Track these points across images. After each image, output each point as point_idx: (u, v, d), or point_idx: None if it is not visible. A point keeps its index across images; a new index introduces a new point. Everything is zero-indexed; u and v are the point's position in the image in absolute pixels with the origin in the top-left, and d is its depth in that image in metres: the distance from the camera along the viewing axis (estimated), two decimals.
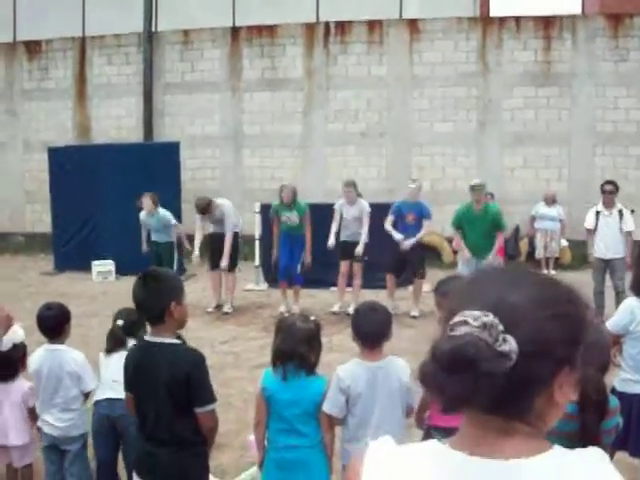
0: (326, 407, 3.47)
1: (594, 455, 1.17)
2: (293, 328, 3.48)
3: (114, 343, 4.20)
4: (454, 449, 1.13)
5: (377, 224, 9.85)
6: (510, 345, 1.04)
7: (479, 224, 9.25)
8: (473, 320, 1.05)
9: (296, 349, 3.41)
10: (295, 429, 3.46)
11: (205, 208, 9.78)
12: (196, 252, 10.08)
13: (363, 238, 9.70)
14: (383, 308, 3.64)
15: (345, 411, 3.48)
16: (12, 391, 4.19)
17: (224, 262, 9.72)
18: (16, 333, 4.52)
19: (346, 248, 9.82)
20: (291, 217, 9.79)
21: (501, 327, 1.05)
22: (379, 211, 10.01)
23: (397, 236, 9.64)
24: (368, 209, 9.78)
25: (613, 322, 4.19)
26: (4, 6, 17.37)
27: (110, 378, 4.07)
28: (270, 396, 3.48)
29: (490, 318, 1.05)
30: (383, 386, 3.48)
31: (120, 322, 4.19)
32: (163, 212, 10.91)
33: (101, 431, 4.21)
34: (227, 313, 9.90)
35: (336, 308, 9.97)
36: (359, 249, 9.69)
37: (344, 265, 9.92)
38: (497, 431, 1.11)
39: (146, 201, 10.70)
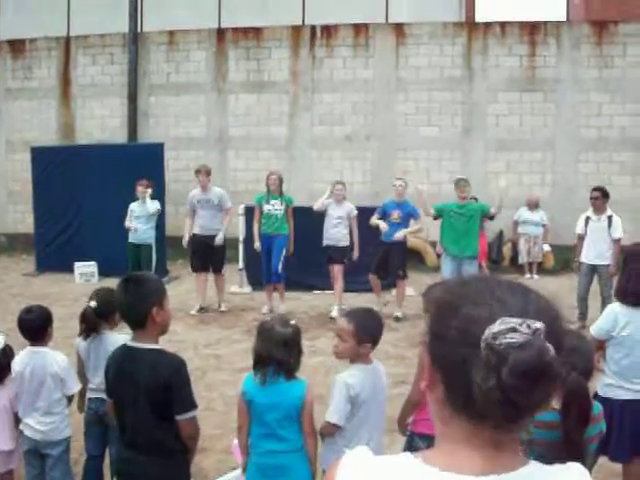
0: (334, 418, 3.43)
1: (573, 470, 1.16)
2: (272, 332, 3.46)
3: (86, 327, 4.11)
4: (426, 463, 1.11)
5: (359, 227, 9.87)
6: (553, 352, 1.04)
7: (461, 219, 9.21)
8: (520, 326, 1.04)
9: (274, 353, 3.39)
10: (276, 434, 3.44)
11: (208, 170, 10.15)
12: (186, 237, 10.18)
13: (355, 241, 9.82)
14: (374, 311, 3.76)
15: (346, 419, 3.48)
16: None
17: (219, 236, 9.95)
18: None
19: (327, 252, 9.88)
20: (275, 204, 9.80)
21: (543, 335, 1.04)
22: (363, 214, 10.02)
23: (382, 225, 9.58)
24: (355, 212, 9.87)
25: (597, 327, 4.22)
26: None
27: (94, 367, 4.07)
28: (250, 400, 3.47)
29: (541, 325, 1.04)
30: (378, 389, 3.52)
31: (93, 304, 4.08)
32: (154, 202, 11.07)
33: (91, 425, 4.21)
34: (224, 311, 10.04)
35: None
36: (355, 254, 9.82)
37: (331, 268, 9.98)
38: (485, 443, 1.10)
39: (139, 188, 10.87)
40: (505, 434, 1.10)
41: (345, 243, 9.81)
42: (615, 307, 4.23)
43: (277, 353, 3.39)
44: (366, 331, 3.48)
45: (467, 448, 1.10)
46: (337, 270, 9.87)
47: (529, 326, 1.03)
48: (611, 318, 4.18)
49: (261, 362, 3.44)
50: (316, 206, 9.89)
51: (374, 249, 9.84)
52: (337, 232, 9.78)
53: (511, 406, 1.03)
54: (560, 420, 2.77)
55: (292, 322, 3.59)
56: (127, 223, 10.95)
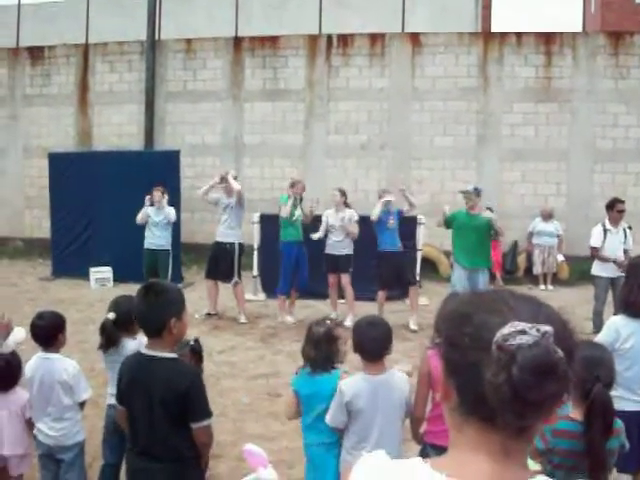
0: (327, 419, 3.60)
1: None
2: (313, 332, 3.82)
3: (106, 340, 4.07)
4: (434, 469, 1.14)
5: (370, 235, 9.84)
6: (562, 354, 1.08)
7: (472, 230, 9.08)
8: (529, 329, 1.07)
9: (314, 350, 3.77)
10: (316, 426, 3.70)
11: (234, 177, 10.25)
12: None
13: (354, 226, 9.83)
14: (383, 322, 3.71)
15: (345, 423, 3.55)
16: (10, 401, 4.11)
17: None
18: (20, 332, 4.51)
19: (330, 260, 9.93)
20: (298, 213, 9.98)
21: (552, 339, 1.08)
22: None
23: (376, 211, 9.58)
24: (356, 217, 9.89)
25: (599, 340, 4.20)
26: (8, 12, 17.45)
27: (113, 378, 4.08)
28: (299, 395, 3.82)
29: (549, 328, 1.08)
30: (384, 400, 3.51)
31: (111, 315, 4.04)
32: (169, 208, 11.15)
33: (109, 433, 4.22)
34: (244, 323, 9.90)
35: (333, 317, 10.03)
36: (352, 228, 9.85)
37: (332, 277, 10.03)
38: (494, 451, 1.12)
39: (157, 193, 10.93)
40: (514, 442, 1.12)
41: (348, 251, 9.85)
42: (616, 320, 4.23)
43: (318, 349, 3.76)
44: (354, 341, 3.61)
45: (476, 456, 1.13)
46: (345, 279, 9.89)
47: (538, 329, 1.07)
48: (612, 330, 4.17)
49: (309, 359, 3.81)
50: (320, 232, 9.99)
51: (378, 262, 9.74)
52: (338, 240, 9.83)
53: (520, 403, 1.06)
54: (581, 431, 2.78)
55: (328, 322, 3.92)
56: (141, 217, 10.98)
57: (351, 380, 3.57)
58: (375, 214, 9.51)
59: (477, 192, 9.35)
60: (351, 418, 3.51)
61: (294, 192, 10.01)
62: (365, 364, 3.57)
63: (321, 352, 3.75)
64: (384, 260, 9.63)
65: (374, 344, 3.53)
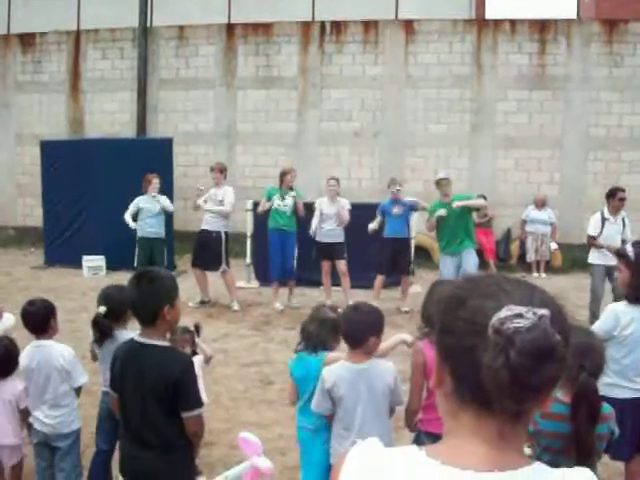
0: (312, 405, 3.62)
1: (581, 476, 1.17)
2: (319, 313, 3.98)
3: (99, 333, 4.05)
4: (428, 456, 1.13)
5: (365, 223, 9.88)
6: (559, 337, 1.07)
7: (451, 216, 9.09)
8: (526, 313, 1.06)
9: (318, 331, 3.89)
10: (306, 409, 3.73)
11: (221, 167, 10.28)
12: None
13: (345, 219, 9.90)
14: (370, 308, 3.63)
15: (330, 410, 3.55)
16: (4, 390, 4.10)
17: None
18: (9, 320, 4.48)
19: (323, 249, 9.98)
20: (287, 201, 9.95)
21: (549, 322, 1.07)
22: (371, 211, 10.06)
23: (371, 225, 9.83)
24: (349, 206, 9.97)
25: (597, 327, 4.18)
26: None
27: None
28: (294, 378, 3.95)
29: (546, 311, 1.07)
30: (366, 388, 3.49)
31: (102, 309, 4.02)
32: (164, 197, 11.09)
33: (103, 420, 4.22)
34: (237, 311, 9.91)
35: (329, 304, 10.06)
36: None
37: (326, 265, 10.10)
38: (490, 436, 1.11)
39: (155, 181, 10.84)
40: (511, 427, 1.11)
41: (341, 239, 9.95)
42: (616, 306, 4.21)
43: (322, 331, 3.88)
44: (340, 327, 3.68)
45: (471, 442, 1.12)
46: (342, 266, 9.97)
47: (534, 313, 1.06)
48: (612, 317, 4.15)
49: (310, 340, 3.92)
50: (315, 221, 10.00)
51: (381, 248, 9.94)
52: (332, 229, 9.90)
53: (518, 387, 1.05)
54: (569, 413, 2.79)
55: (339, 310, 4.01)
56: (128, 218, 10.78)
57: (332, 367, 3.57)
58: (371, 228, 9.84)
59: (449, 180, 9.50)
60: (335, 405, 3.52)
61: (286, 180, 10.00)
62: (348, 351, 3.55)
63: (321, 332, 3.84)
64: (385, 246, 9.89)
65: (355, 328, 3.50)
